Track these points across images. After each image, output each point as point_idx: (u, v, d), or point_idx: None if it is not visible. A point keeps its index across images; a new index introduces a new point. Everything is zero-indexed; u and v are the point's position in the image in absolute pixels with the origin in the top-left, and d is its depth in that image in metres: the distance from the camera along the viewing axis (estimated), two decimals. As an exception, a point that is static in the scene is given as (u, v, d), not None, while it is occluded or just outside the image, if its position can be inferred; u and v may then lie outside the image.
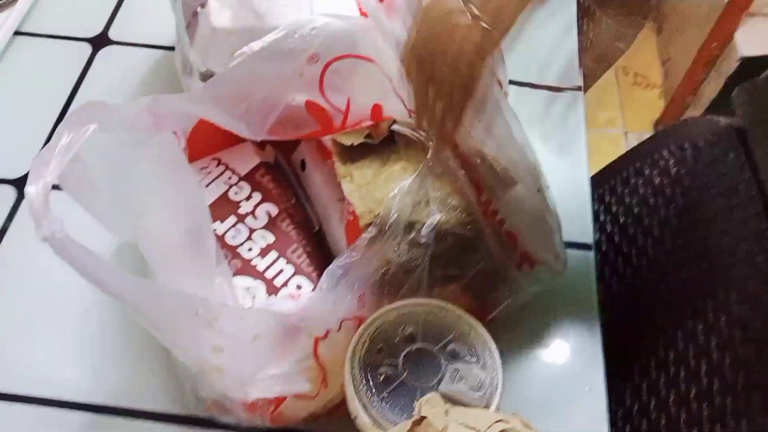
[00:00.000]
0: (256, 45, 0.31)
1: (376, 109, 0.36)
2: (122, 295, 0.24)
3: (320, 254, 0.42)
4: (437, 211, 0.34)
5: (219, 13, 0.35)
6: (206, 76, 0.35)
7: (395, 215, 0.31)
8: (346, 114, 0.36)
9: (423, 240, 0.34)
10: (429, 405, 0.27)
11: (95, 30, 0.55)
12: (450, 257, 0.36)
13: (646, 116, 1.27)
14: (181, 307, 0.24)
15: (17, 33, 0.55)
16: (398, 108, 0.36)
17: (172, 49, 0.52)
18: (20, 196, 0.47)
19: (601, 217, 0.54)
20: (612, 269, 0.51)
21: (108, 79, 0.52)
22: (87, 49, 0.54)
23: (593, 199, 0.51)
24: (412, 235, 0.33)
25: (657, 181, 0.52)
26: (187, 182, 0.30)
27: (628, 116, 1.29)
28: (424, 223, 0.33)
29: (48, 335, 0.42)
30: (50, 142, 0.24)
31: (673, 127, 0.59)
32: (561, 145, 0.54)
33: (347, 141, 0.36)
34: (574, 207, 0.51)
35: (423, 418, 0.26)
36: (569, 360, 0.43)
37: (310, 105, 0.35)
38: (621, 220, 0.53)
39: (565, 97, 0.56)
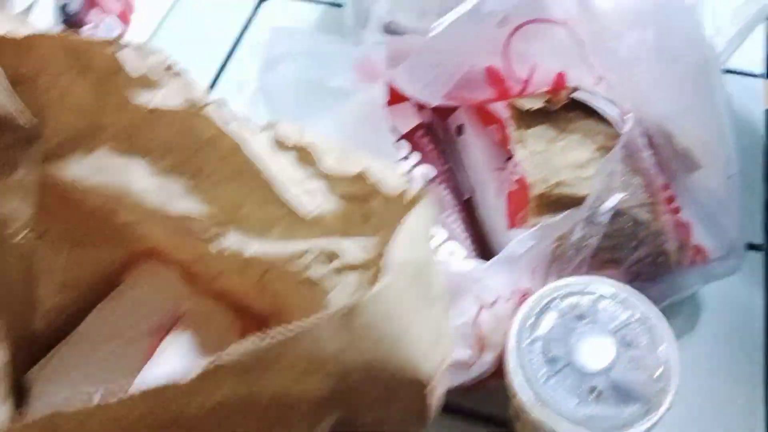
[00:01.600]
0: (456, 12, 0.30)
1: (560, 78, 0.34)
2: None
3: (472, 221, 0.41)
4: (619, 189, 0.32)
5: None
6: (389, 29, 0.35)
7: (595, 196, 0.30)
8: (527, 82, 0.34)
9: (601, 218, 0.32)
10: None
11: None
12: (621, 239, 0.34)
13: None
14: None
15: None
16: (584, 75, 0.34)
17: (336, 5, 0.52)
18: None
19: None
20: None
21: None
22: (251, 1, 0.55)
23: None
24: (592, 212, 0.32)
25: None
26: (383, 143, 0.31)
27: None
28: (605, 201, 0.32)
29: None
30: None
31: None
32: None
33: (525, 105, 0.35)
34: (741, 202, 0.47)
35: None
36: (726, 370, 0.39)
37: (490, 71, 0.34)
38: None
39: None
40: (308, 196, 0.21)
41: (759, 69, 0.53)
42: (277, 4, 0.55)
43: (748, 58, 0.53)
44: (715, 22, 0.41)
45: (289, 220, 0.22)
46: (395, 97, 0.42)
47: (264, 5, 0.55)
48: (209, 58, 0.53)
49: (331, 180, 0.21)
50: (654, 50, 0.34)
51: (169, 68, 0.22)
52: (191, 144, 0.22)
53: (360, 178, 0.20)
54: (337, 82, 0.30)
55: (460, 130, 0.43)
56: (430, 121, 0.45)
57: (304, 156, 0.21)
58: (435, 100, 0.36)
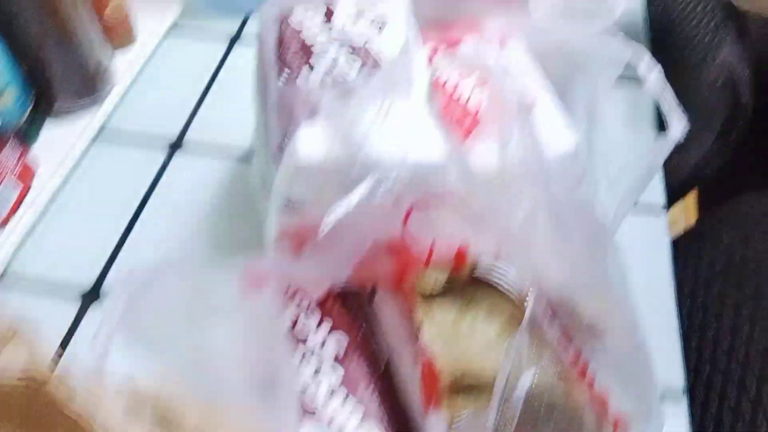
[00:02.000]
0: (350, 198, 0.30)
1: (461, 252, 0.34)
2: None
3: (389, 392, 0.39)
4: (529, 368, 0.31)
5: (308, 147, 0.34)
6: (290, 204, 0.34)
7: (505, 381, 0.29)
8: (428, 257, 0.34)
9: (514, 403, 0.30)
10: None
11: (171, 136, 0.56)
12: (537, 420, 0.32)
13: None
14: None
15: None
16: (484, 246, 0.34)
17: (246, 161, 0.52)
18: (84, 309, 0.46)
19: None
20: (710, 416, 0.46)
21: (181, 187, 0.53)
22: (161, 155, 0.55)
23: (682, 333, 0.47)
24: (504, 397, 0.30)
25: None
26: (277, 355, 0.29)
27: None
28: (516, 383, 0.31)
29: None
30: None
31: None
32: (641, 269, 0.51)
33: (428, 286, 0.34)
34: (658, 343, 0.47)
35: None
36: None
37: (391, 248, 0.34)
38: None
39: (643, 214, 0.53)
40: None
41: (661, 201, 0.55)
42: (186, 162, 0.54)
43: (649, 191, 0.56)
44: (609, 177, 0.43)
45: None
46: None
47: (174, 160, 0.54)
48: (118, 214, 0.51)
49: None
50: (547, 218, 0.34)
51: (13, 335, 0.20)
52: (34, 416, 0.20)
53: None
54: (220, 299, 0.28)
55: (372, 294, 0.42)
56: (342, 284, 0.44)
57: (164, 423, 0.19)
58: (340, 280, 0.35)
